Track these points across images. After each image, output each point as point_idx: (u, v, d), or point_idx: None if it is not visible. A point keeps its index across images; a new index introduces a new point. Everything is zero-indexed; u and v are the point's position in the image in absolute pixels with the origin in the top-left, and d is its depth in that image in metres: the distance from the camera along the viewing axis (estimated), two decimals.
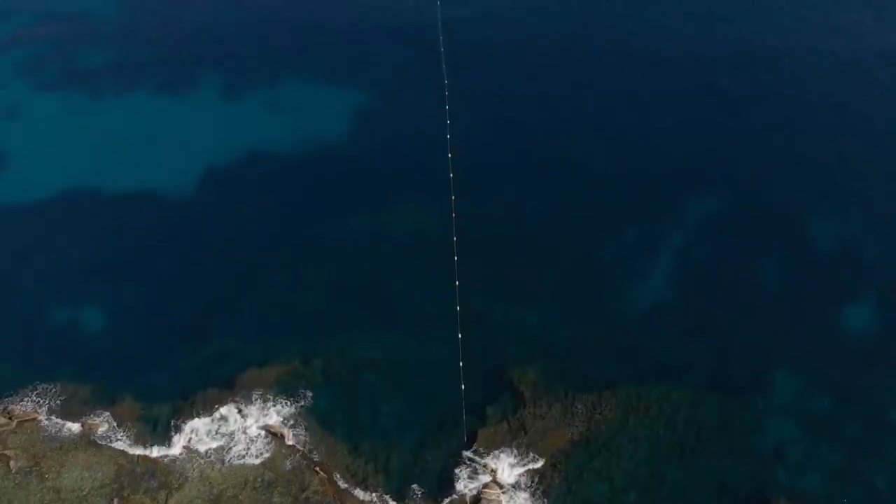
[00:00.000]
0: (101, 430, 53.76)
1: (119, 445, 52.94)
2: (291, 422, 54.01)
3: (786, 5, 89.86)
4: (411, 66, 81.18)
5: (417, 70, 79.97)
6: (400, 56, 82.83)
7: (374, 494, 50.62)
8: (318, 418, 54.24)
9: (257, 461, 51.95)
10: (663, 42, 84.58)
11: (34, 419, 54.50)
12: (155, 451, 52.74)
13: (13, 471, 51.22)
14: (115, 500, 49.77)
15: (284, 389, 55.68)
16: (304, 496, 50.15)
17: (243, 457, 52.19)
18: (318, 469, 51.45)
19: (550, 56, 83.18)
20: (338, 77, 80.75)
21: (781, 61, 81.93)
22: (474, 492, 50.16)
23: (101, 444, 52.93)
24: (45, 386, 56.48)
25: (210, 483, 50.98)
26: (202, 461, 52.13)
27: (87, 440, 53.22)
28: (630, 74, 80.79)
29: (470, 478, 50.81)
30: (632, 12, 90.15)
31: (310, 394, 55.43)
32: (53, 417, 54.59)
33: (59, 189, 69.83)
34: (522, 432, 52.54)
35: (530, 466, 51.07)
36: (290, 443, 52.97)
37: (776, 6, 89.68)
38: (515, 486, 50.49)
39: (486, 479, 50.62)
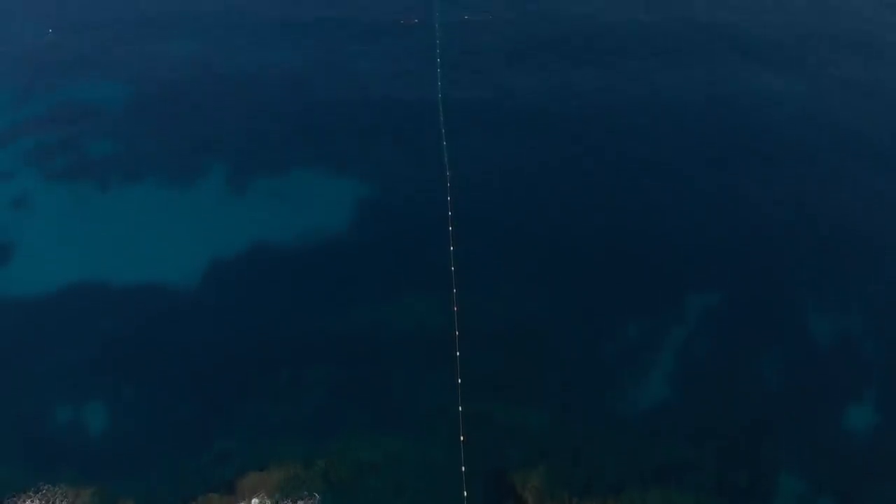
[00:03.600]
0: None
1: None
2: None
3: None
4: (414, 158, 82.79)
5: (419, 162, 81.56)
6: (403, 147, 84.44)
7: None
8: None
9: None
10: (662, 143, 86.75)
11: None
12: None
13: None
14: None
15: (286, 495, 55.28)
16: None
17: None
18: None
19: (552, 148, 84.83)
20: (340, 168, 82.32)
21: (781, 158, 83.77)
22: None
23: None
24: (47, 488, 56.15)
25: None
26: None
27: None
28: (631, 166, 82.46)
29: None
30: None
31: (311, 500, 55.14)
32: None
33: (62, 282, 70.43)
34: None
35: None
36: None
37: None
38: None
39: None
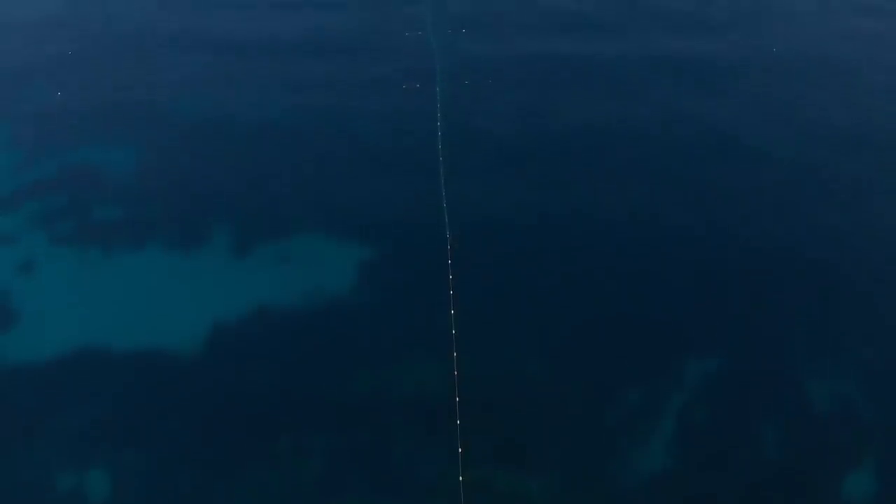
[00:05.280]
0: None
1: None
2: None
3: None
4: (415, 220, 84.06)
5: (421, 224, 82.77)
6: (404, 209, 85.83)
7: None
8: None
9: None
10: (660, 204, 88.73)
11: None
12: None
13: None
14: None
15: None
16: None
17: None
18: None
19: (553, 217, 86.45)
20: (343, 232, 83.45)
21: (778, 224, 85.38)
22: None
23: None
24: None
25: None
26: None
27: None
28: (631, 229, 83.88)
29: None
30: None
31: None
32: None
33: (64, 347, 70.67)
34: None
35: None
36: None
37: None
38: None
39: None
